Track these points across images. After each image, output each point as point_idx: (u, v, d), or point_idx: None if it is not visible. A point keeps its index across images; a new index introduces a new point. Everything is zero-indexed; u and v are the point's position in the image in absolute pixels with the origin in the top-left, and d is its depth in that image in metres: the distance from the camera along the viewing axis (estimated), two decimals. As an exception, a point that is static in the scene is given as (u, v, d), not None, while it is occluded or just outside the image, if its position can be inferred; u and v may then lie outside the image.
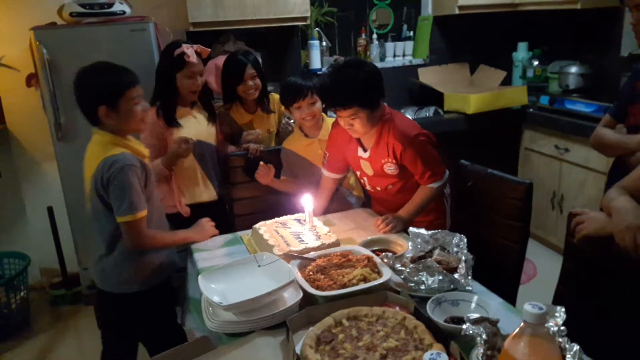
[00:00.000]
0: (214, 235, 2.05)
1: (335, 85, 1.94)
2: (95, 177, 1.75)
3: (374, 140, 2.06)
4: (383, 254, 1.60)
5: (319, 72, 3.61)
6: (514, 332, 0.94)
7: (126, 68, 1.82)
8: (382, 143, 2.04)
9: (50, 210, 3.13)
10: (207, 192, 2.47)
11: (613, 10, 3.29)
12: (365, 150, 2.11)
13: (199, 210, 2.33)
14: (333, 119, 2.27)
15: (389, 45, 3.99)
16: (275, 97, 2.71)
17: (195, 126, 2.40)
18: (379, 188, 2.19)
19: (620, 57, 3.31)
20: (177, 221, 2.29)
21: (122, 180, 1.70)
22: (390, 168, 2.07)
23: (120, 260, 1.84)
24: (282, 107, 2.67)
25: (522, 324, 0.93)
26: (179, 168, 2.36)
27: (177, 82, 2.31)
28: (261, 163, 2.42)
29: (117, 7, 2.81)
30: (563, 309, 1.12)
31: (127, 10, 2.86)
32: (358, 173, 2.24)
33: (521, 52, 3.87)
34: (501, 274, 1.83)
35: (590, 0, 3.21)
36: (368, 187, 2.25)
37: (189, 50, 2.28)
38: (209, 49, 2.41)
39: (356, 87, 1.90)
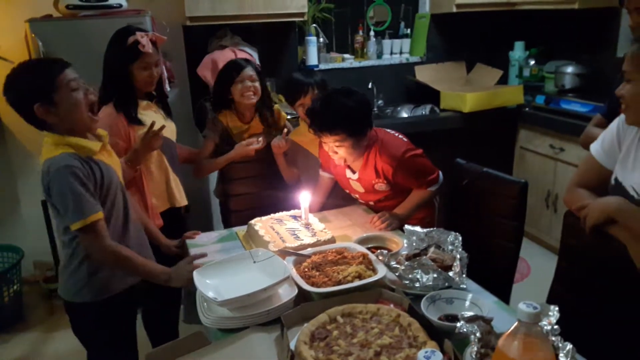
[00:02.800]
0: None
1: (324, 111, 1.94)
2: (41, 181, 1.58)
3: (361, 163, 2.07)
4: (378, 251, 1.60)
5: (315, 69, 3.61)
6: (508, 331, 0.95)
7: (51, 57, 1.60)
8: (370, 166, 2.05)
9: (44, 203, 3.12)
10: (180, 197, 2.26)
11: (610, 11, 3.30)
12: (354, 172, 2.12)
13: (165, 218, 2.19)
14: None
15: (386, 43, 3.98)
16: (283, 115, 2.61)
17: (161, 122, 2.10)
18: (371, 202, 2.22)
19: (617, 58, 3.32)
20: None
21: (61, 184, 1.52)
22: (381, 187, 2.10)
23: (71, 266, 1.68)
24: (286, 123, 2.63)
25: (516, 322, 0.93)
26: (150, 171, 2.13)
27: (131, 74, 2.05)
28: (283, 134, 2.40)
29: (114, 0, 2.80)
30: (557, 308, 1.12)
31: (124, 3, 2.85)
32: (347, 190, 2.26)
33: (518, 51, 3.87)
34: (495, 273, 1.83)
35: (588, 0, 3.21)
36: (360, 201, 2.27)
37: (144, 39, 2.02)
38: (165, 37, 2.15)
39: (344, 115, 1.91)
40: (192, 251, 1.90)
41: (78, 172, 1.54)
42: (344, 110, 1.91)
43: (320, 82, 2.32)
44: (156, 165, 2.16)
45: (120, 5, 2.82)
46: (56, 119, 1.57)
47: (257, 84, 2.38)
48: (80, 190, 1.53)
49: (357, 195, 2.24)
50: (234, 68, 2.38)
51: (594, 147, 1.55)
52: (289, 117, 3.11)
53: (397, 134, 2.12)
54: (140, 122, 2.06)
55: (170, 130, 2.22)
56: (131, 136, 2.05)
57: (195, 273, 1.53)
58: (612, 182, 1.46)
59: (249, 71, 2.36)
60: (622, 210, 1.37)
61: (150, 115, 2.12)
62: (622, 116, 1.49)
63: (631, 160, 1.42)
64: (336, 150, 1.97)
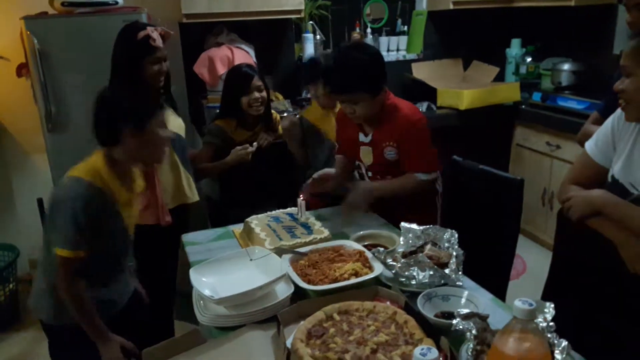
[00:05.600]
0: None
1: (338, 69, 1.93)
2: (54, 188, 1.59)
3: (376, 124, 2.04)
4: (375, 248, 1.60)
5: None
6: (504, 328, 0.95)
7: (150, 92, 1.73)
8: (386, 127, 2.02)
9: (40, 202, 3.09)
10: (191, 193, 2.28)
11: (607, 8, 3.31)
12: (366, 135, 2.09)
13: (174, 215, 2.19)
14: None
15: (383, 40, 3.98)
16: (276, 116, 2.64)
17: (171, 117, 2.13)
18: (378, 177, 2.15)
19: (613, 55, 3.32)
20: (153, 236, 2.15)
21: (69, 209, 1.52)
22: (390, 153, 2.04)
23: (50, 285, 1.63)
24: (281, 128, 2.64)
25: (511, 319, 0.93)
26: (161, 168, 2.14)
27: (141, 69, 2.05)
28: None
29: (110, -3, 2.79)
30: (552, 305, 1.12)
31: (120, 0, 2.83)
32: (356, 163, 2.22)
33: (514, 48, 3.87)
34: (492, 270, 1.84)
35: (584, -3, 3.22)
36: (367, 177, 2.21)
37: (154, 34, 2.03)
38: (172, 32, 2.18)
39: (359, 71, 1.89)
40: (189, 249, 1.90)
41: (89, 208, 1.55)
42: (358, 65, 1.90)
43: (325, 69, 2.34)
44: (167, 161, 2.15)
45: (116, 2, 2.82)
46: (135, 145, 1.61)
47: (264, 94, 2.41)
48: (82, 224, 1.54)
49: (363, 168, 2.18)
50: (242, 80, 2.37)
51: (588, 145, 1.55)
52: (285, 114, 3.12)
53: None
54: None
55: (178, 126, 2.23)
56: None
57: (191, 271, 1.53)
58: (609, 179, 1.47)
59: (257, 81, 2.38)
60: (608, 202, 1.38)
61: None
62: (616, 113, 1.49)
63: (629, 157, 1.42)
64: (354, 107, 1.95)
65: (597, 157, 1.51)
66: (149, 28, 2.03)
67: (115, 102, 1.63)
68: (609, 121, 1.51)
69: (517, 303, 0.92)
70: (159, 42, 2.04)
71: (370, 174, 2.17)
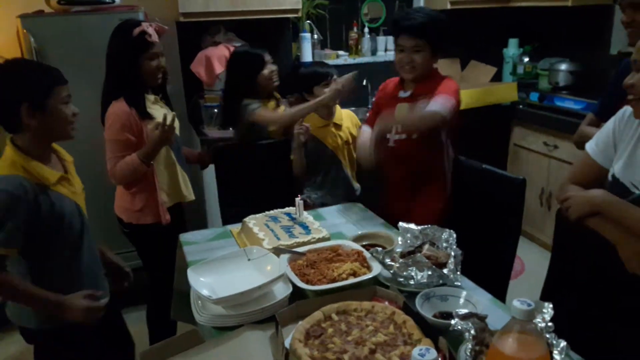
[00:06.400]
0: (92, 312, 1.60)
1: (419, 12, 2.11)
2: None
3: (419, 83, 2.15)
4: (373, 248, 1.60)
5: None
6: (502, 328, 0.95)
7: (52, 66, 1.59)
8: (427, 84, 2.13)
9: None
10: (188, 192, 2.27)
11: (603, 8, 3.31)
12: (406, 91, 2.20)
13: (171, 213, 2.19)
14: (345, 110, 2.53)
15: (381, 39, 3.98)
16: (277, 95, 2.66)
17: (170, 116, 2.07)
18: (403, 136, 2.18)
19: (610, 55, 3.33)
20: (154, 235, 2.17)
21: None
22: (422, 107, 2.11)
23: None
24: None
25: (510, 319, 0.93)
26: (159, 167, 2.13)
27: (139, 66, 2.03)
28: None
29: (107, -4, 2.78)
30: (551, 305, 1.13)
31: (117, -1, 2.83)
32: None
33: (512, 48, 3.88)
34: (492, 270, 1.84)
35: (581, -3, 3.23)
36: (392, 140, 2.20)
37: (150, 29, 2.01)
38: (167, 27, 2.15)
39: (435, 23, 2.08)
40: (186, 249, 1.89)
41: (15, 202, 1.47)
42: (437, 19, 2.09)
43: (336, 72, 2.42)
44: (164, 160, 2.15)
45: (113, 1, 2.81)
46: (36, 124, 1.52)
47: (275, 66, 2.47)
48: (9, 222, 1.46)
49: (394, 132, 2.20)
50: (256, 56, 2.43)
51: (589, 145, 1.55)
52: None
53: None
54: (151, 117, 2.05)
55: (175, 125, 2.20)
56: (143, 131, 2.03)
57: (189, 271, 1.52)
58: (610, 178, 1.47)
59: (268, 55, 2.44)
60: (607, 202, 1.38)
61: (158, 109, 2.12)
62: (618, 114, 1.48)
63: (631, 157, 1.41)
64: (413, 57, 2.08)
65: (598, 157, 1.51)
66: (143, 24, 2.01)
67: (7, 83, 1.52)
68: (610, 122, 1.51)
69: (516, 303, 0.92)
70: (154, 37, 2.02)
71: (396, 137, 2.20)
